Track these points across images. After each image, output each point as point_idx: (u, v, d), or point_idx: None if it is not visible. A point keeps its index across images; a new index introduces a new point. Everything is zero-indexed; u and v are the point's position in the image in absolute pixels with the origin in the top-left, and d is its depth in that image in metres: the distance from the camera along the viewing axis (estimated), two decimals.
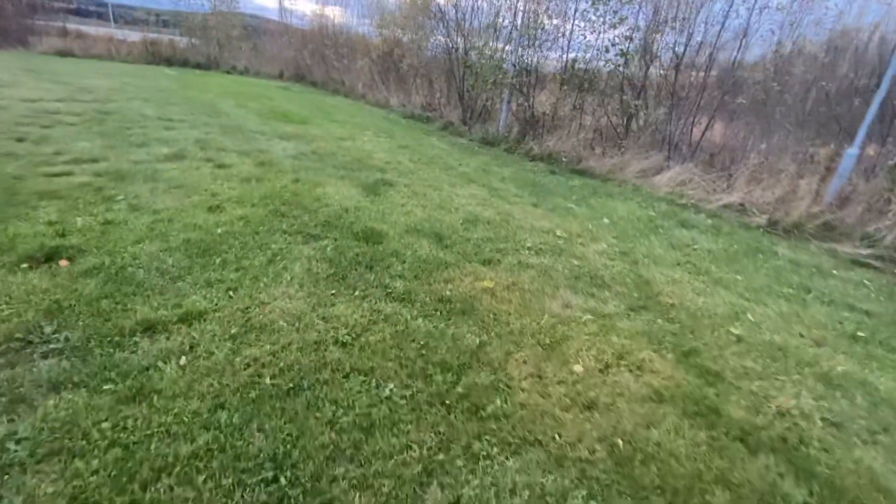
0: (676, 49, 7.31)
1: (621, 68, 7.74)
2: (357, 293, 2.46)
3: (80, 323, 1.91)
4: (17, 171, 3.54)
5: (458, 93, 11.33)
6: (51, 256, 2.39)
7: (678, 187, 6.02)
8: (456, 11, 10.24)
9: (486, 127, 8.98)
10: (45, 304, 1.99)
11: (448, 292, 2.59)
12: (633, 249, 3.80)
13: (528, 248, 3.46)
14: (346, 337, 2.07)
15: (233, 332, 2.00)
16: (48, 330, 1.85)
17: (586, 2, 8.01)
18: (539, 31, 8.38)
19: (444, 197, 4.50)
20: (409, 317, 2.29)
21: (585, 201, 5.20)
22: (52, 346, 1.77)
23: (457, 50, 11.13)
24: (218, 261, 2.59)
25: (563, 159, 7.09)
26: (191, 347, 1.87)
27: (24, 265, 2.28)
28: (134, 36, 16.93)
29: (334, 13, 16.82)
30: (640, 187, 6.11)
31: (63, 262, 2.36)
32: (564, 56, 8.24)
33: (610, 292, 2.92)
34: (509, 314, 2.45)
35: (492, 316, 2.41)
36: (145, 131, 5.35)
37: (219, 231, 2.95)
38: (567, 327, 2.41)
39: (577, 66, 8.25)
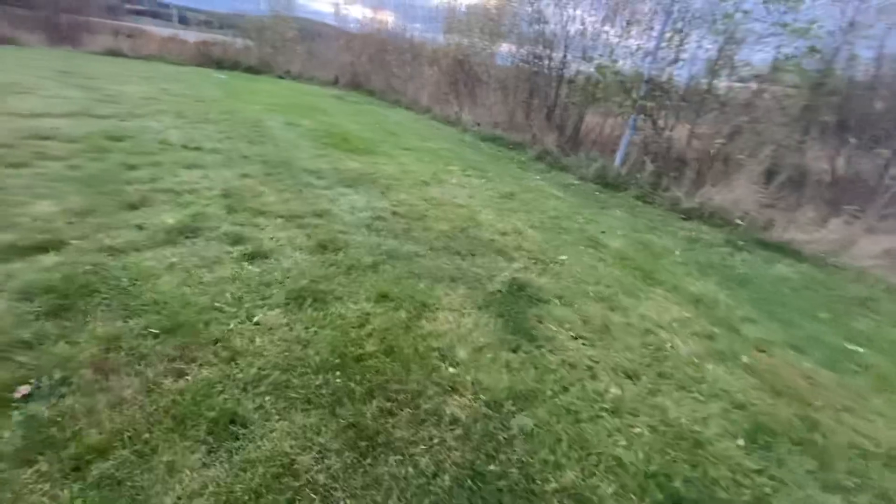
0: None
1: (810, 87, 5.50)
2: None
3: None
4: None
5: (547, 112, 9.31)
6: None
7: None
8: (561, 15, 8.20)
9: (595, 160, 6.87)
10: None
11: None
12: None
13: None
14: None
15: None
16: None
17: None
18: (685, 40, 6.23)
19: (641, 332, 2.46)
20: None
21: (868, 338, 3.02)
22: None
23: (550, 60, 9.13)
24: None
25: (739, 223, 4.89)
26: None
27: None
28: (191, 36, 16.08)
29: (387, 18, 15.30)
30: None
31: None
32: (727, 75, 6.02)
33: None
34: None
35: None
36: (154, 174, 3.63)
37: None
38: None
39: (738, 83, 6.05)
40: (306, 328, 2.03)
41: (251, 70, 14.37)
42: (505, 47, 11.58)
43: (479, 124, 9.92)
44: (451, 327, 2.20)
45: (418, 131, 8.56)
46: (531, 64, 9.98)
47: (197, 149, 4.58)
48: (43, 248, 2.31)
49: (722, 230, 4.86)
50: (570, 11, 8.25)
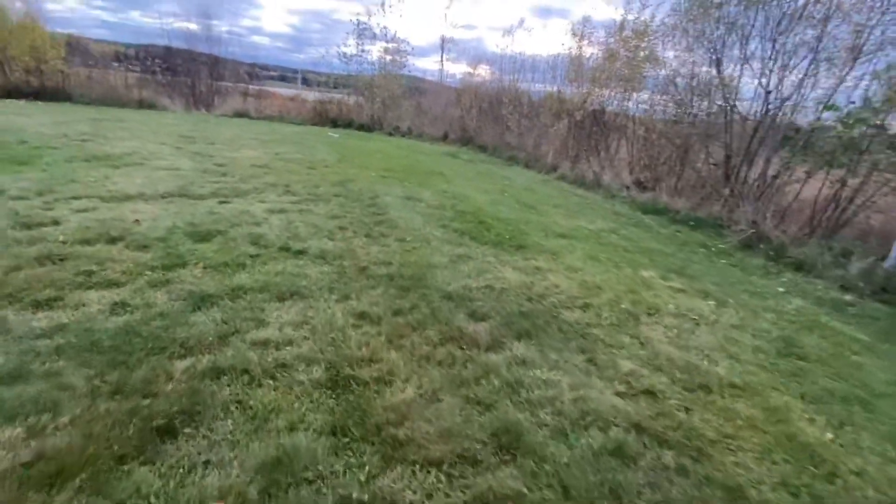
0: None
1: None
2: None
3: None
4: None
5: (725, 175, 7.05)
6: None
7: None
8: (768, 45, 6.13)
9: (846, 254, 4.50)
10: None
11: None
12: None
13: None
14: None
15: None
16: None
17: None
18: None
19: None
20: None
21: None
22: None
23: (732, 109, 6.99)
24: None
25: None
26: None
27: None
28: (311, 96, 16.63)
29: (486, 72, 14.39)
30: None
31: None
32: None
33: None
34: None
35: None
36: (229, 319, 2.24)
37: None
38: None
39: None
40: None
41: (363, 128, 14.08)
42: (645, 95, 9.70)
43: (628, 188, 7.95)
44: None
45: (557, 201, 6.82)
46: (689, 114, 7.93)
47: (300, 253, 3.24)
48: None
49: None
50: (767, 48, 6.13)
